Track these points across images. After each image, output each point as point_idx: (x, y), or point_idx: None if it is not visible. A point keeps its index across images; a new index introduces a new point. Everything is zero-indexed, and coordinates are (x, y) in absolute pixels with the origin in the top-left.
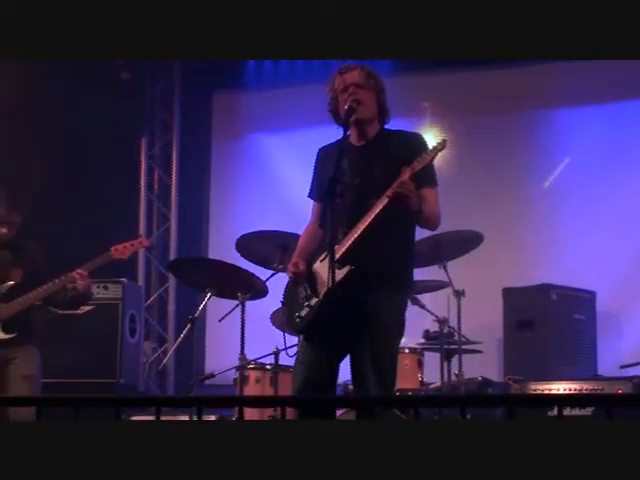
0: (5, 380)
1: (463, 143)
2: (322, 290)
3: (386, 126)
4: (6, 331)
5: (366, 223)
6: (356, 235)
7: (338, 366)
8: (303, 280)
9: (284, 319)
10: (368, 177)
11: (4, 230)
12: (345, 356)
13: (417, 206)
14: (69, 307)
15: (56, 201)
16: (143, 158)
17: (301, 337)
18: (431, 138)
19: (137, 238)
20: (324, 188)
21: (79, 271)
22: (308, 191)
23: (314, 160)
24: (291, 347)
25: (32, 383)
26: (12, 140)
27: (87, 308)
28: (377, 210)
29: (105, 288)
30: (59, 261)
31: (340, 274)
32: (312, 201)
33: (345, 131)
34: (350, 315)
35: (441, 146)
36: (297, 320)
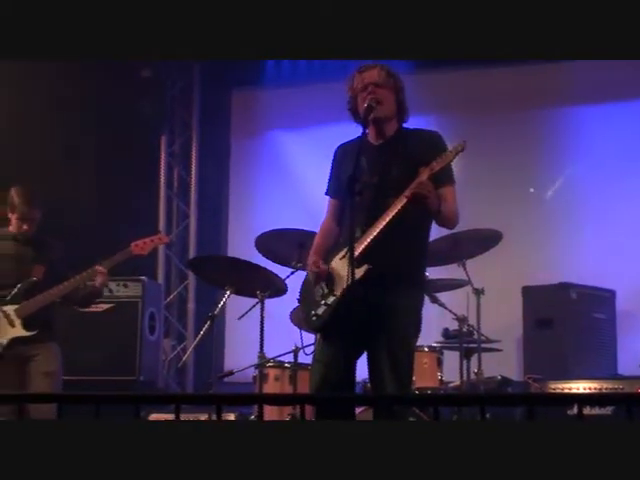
0: (26, 377)
1: (482, 141)
2: (339, 289)
3: (404, 125)
4: (27, 328)
5: (384, 222)
6: (374, 234)
7: (355, 364)
8: (323, 279)
9: (301, 317)
10: (386, 176)
11: (25, 227)
12: (362, 354)
13: (436, 206)
14: (81, 305)
15: (76, 198)
16: (163, 156)
17: (318, 335)
18: (449, 137)
19: (156, 234)
20: (342, 186)
21: (99, 268)
22: (326, 188)
23: (332, 157)
24: (308, 346)
25: (53, 380)
26: (33, 137)
27: (107, 306)
28: (396, 210)
29: (125, 286)
30: (79, 258)
31: (359, 273)
32: (329, 198)
33: (364, 129)
34: (367, 313)
35: (461, 147)
36: (314, 318)
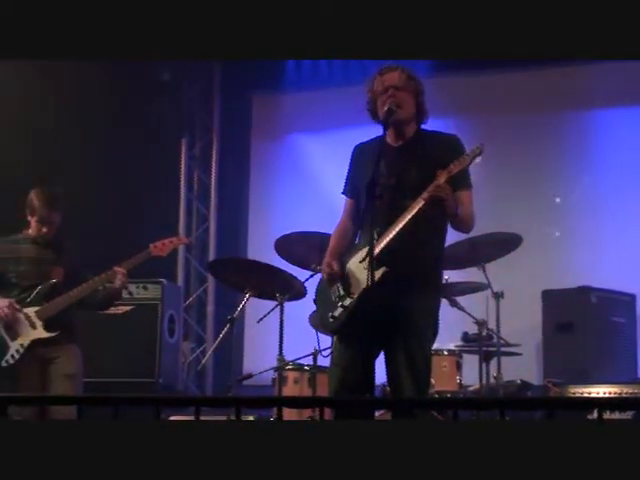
0: (47, 379)
1: (501, 144)
2: (356, 291)
3: (423, 126)
4: (48, 330)
5: (401, 225)
6: (391, 236)
7: (374, 366)
8: (337, 280)
9: (318, 319)
10: (404, 178)
11: (44, 229)
12: (379, 355)
13: (453, 209)
14: (100, 307)
15: (96, 201)
16: (183, 159)
17: (335, 338)
18: (468, 140)
19: (175, 236)
20: (359, 186)
21: (119, 269)
22: (342, 188)
23: (350, 157)
24: (326, 349)
25: (74, 382)
26: (53, 139)
27: (127, 308)
28: (413, 212)
29: (144, 288)
30: (99, 261)
31: (376, 275)
32: (345, 198)
33: (384, 131)
34: (384, 316)
35: (479, 151)
36: (330, 320)
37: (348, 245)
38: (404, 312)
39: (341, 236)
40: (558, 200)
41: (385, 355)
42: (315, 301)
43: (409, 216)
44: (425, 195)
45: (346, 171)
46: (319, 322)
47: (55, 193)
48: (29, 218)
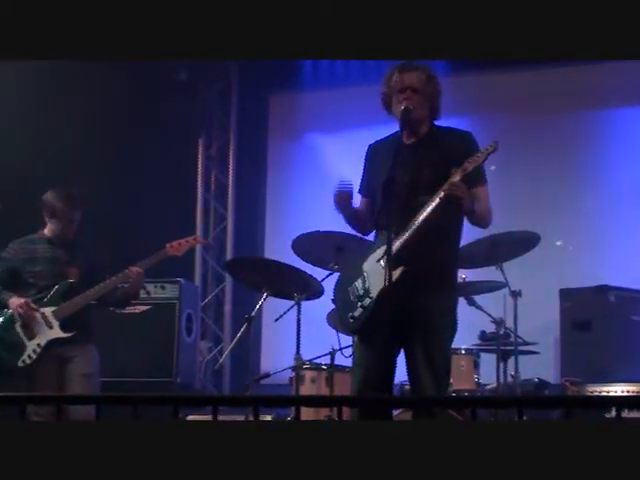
0: (64, 378)
1: (518, 143)
2: (375, 290)
3: (437, 123)
4: (65, 329)
5: (418, 223)
6: (407, 235)
7: (395, 364)
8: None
9: (337, 319)
10: (419, 176)
11: (66, 229)
12: (399, 354)
13: (470, 207)
14: (118, 306)
15: (113, 200)
16: (200, 158)
17: (355, 338)
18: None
19: (191, 236)
20: (374, 185)
21: (135, 269)
22: (358, 187)
23: (364, 156)
24: (346, 347)
25: (91, 382)
26: (72, 139)
27: (144, 308)
28: (428, 210)
29: (162, 288)
30: (116, 260)
31: (394, 274)
32: (360, 197)
33: (401, 129)
34: (403, 315)
35: (493, 148)
36: (351, 321)
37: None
38: (423, 311)
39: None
40: (576, 199)
41: (405, 354)
42: (334, 301)
43: (425, 214)
44: (441, 193)
45: (361, 170)
46: (339, 322)
47: (74, 192)
48: (46, 218)
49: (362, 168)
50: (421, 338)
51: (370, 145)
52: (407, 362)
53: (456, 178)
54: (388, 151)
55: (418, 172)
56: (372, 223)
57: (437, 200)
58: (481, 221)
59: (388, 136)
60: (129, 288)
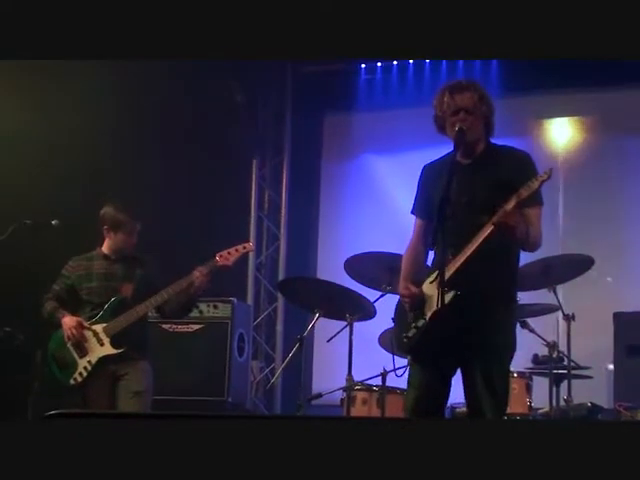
0: (115, 395)
1: (574, 165)
2: (428, 312)
3: (493, 140)
4: (116, 346)
5: (473, 248)
6: (463, 259)
7: (449, 387)
8: (417, 303)
9: (393, 339)
10: (475, 196)
11: (132, 240)
12: (454, 374)
13: (522, 234)
14: (176, 316)
15: (167, 218)
16: (254, 178)
17: (409, 359)
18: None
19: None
20: (429, 206)
21: (199, 268)
22: (412, 207)
23: (419, 177)
24: (399, 368)
25: (141, 399)
26: (126, 155)
27: (197, 327)
28: (483, 236)
29: (215, 307)
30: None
31: (447, 297)
32: (415, 218)
33: (455, 150)
34: (458, 337)
35: (547, 176)
36: (404, 341)
37: (421, 267)
38: (480, 331)
39: (413, 259)
40: (632, 220)
41: (463, 376)
42: (393, 320)
43: (480, 240)
44: (495, 219)
45: (415, 191)
46: (394, 342)
47: (134, 205)
48: (108, 232)
49: (416, 189)
50: (480, 361)
51: (425, 166)
52: (465, 385)
53: (510, 205)
54: (443, 171)
55: (475, 193)
56: (429, 243)
57: (490, 227)
58: (530, 246)
59: (443, 156)
60: (193, 289)
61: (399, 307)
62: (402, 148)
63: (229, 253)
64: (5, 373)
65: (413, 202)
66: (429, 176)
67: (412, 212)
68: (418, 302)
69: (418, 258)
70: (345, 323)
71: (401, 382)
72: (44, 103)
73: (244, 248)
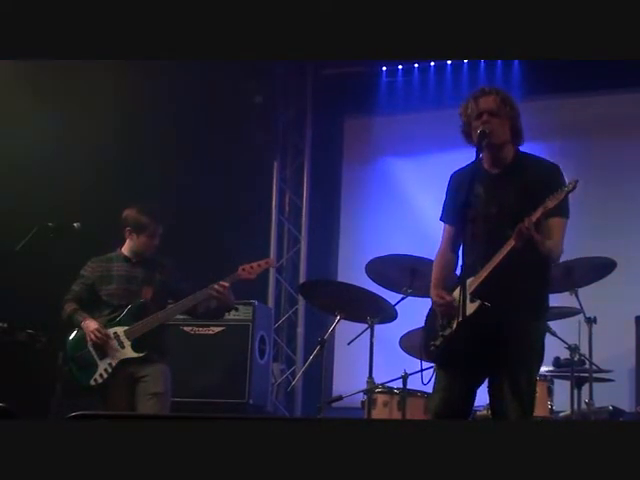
0: (135, 397)
1: (596, 167)
2: (455, 321)
3: (522, 149)
4: (136, 350)
5: (497, 260)
6: (490, 270)
7: (474, 394)
8: (451, 310)
9: (421, 344)
10: (503, 207)
11: (155, 242)
12: (482, 381)
13: (544, 249)
14: (213, 317)
15: (187, 221)
16: (275, 181)
17: (436, 365)
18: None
19: (264, 259)
20: (458, 213)
21: (220, 283)
22: (440, 214)
23: (447, 184)
24: (424, 370)
25: (160, 401)
26: (145, 157)
27: (218, 329)
28: (508, 248)
29: (236, 309)
30: (191, 282)
31: (472, 307)
32: (444, 225)
33: (477, 155)
34: (487, 345)
35: (572, 187)
36: (432, 349)
37: (450, 273)
38: (509, 344)
39: (443, 266)
40: None
41: (490, 384)
42: (424, 328)
43: (504, 253)
44: (516, 232)
45: (443, 198)
46: (422, 348)
47: (157, 207)
48: (130, 235)
49: (445, 195)
50: (507, 367)
51: (453, 173)
52: (492, 392)
53: (535, 216)
54: (471, 179)
55: (503, 203)
56: (457, 251)
57: (511, 243)
58: (548, 257)
59: (470, 163)
60: (218, 304)
61: (431, 314)
62: (423, 151)
63: (252, 267)
64: (28, 375)
65: (442, 209)
66: (457, 183)
67: (441, 219)
68: (451, 310)
69: (448, 264)
70: (366, 326)
71: (422, 385)
72: (65, 104)
73: (266, 263)
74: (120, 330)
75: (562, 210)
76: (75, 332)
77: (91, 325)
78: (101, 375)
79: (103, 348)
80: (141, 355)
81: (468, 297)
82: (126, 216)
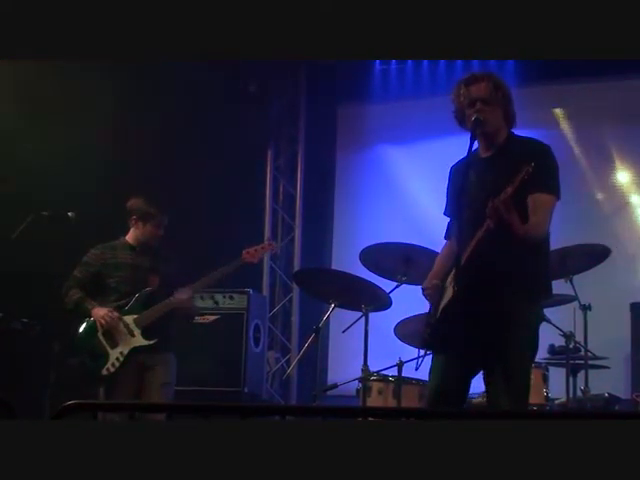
0: (143, 386)
1: (592, 154)
2: (441, 307)
3: (514, 131)
4: (146, 337)
5: (474, 242)
6: (467, 253)
7: (468, 380)
8: (435, 298)
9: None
10: (493, 190)
11: (160, 232)
12: (477, 370)
13: (516, 228)
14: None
15: (181, 211)
16: (269, 169)
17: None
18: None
19: (266, 242)
20: (455, 202)
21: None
22: (444, 209)
23: (447, 177)
24: (413, 360)
25: (167, 390)
26: (142, 149)
27: (213, 317)
28: (483, 229)
29: (231, 298)
30: (187, 270)
31: (449, 293)
32: (448, 219)
33: (471, 143)
34: (473, 330)
35: (526, 174)
36: (425, 336)
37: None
38: (498, 329)
39: (444, 257)
40: None
41: (483, 369)
42: (425, 314)
43: (479, 236)
44: (487, 215)
45: (439, 188)
46: (419, 337)
47: (162, 197)
48: (135, 224)
49: (446, 189)
50: (499, 352)
51: (452, 167)
52: (485, 377)
53: (506, 194)
54: (466, 167)
55: (493, 186)
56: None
57: (489, 225)
58: (527, 235)
59: (467, 154)
60: (184, 312)
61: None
62: (417, 138)
63: (255, 250)
64: (23, 363)
65: (445, 203)
66: (456, 176)
67: (444, 213)
68: (438, 296)
69: (450, 256)
70: (360, 314)
71: (418, 373)
72: (65, 99)
73: (269, 246)
74: (129, 318)
75: (549, 187)
76: (85, 323)
77: (100, 311)
78: (113, 364)
79: (114, 337)
80: (151, 342)
81: (452, 283)
82: (132, 205)
